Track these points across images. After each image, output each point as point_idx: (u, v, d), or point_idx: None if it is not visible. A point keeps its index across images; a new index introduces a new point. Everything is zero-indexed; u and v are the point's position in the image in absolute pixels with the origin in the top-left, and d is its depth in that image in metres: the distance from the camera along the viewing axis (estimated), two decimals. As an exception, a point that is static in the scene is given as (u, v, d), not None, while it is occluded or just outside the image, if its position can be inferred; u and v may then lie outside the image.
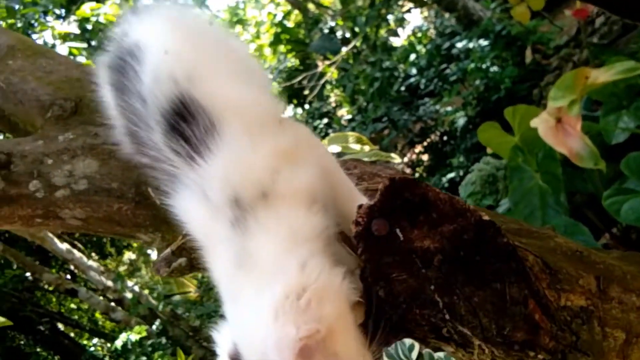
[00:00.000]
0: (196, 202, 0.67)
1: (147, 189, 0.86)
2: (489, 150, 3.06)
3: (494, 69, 4.71)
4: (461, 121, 4.92)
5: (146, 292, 5.38)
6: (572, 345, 0.66)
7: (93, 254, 5.76)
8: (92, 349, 8.46)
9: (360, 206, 0.61)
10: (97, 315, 9.10)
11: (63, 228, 0.91)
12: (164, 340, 4.66)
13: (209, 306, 5.78)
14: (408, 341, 1.26)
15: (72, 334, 8.56)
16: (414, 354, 1.23)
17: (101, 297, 5.13)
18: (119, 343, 4.63)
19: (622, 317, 0.72)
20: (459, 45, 5.17)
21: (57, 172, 0.88)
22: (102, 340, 8.18)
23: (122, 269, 6.21)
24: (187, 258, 0.87)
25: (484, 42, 4.85)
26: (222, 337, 0.68)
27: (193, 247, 0.87)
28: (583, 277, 0.72)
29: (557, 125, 2.21)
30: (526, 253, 0.66)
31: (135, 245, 8.89)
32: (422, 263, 0.59)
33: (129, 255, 9.27)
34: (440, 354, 1.28)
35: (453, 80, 5.21)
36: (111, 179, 0.87)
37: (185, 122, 0.66)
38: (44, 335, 7.59)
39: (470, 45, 5.00)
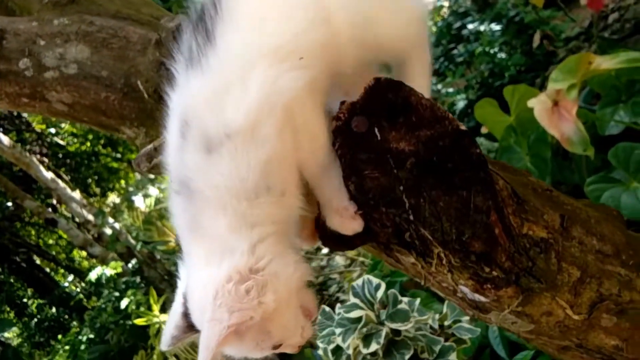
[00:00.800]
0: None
1: (136, 82, 0.86)
2: (483, 130, 3.08)
3: (502, 55, 4.68)
4: (461, 104, 4.92)
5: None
6: (527, 270, 0.68)
7: (77, 192, 5.74)
8: (66, 284, 8.53)
9: (342, 102, 0.62)
10: (75, 253, 9.15)
11: (49, 112, 0.92)
12: (138, 279, 4.71)
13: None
14: (375, 280, 1.29)
15: (47, 269, 8.62)
16: (380, 293, 1.27)
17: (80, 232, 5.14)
18: (93, 276, 4.66)
19: (580, 257, 0.75)
20: (470, 26, 5.12)
21: (49, 53, 0.87)
22: (77, 279, 8.24)
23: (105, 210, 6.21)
24: (169, 156, 0.88)
25: (495, 27, 4.82)
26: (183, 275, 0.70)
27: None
28: (548, 213, 0.74)
29: (553, 108, 2.23)
30: (497, 177, 0.68)
31: (118, 186, 8.89)
32: (395, 163, 0.60)
33: (112, 199, 9.27)
34: (404, 299, 1.32)
35: (459, 62, 5.19)
36: (102, 67, 0.87)
37: None
38: (20, 266, 7.63)
39: (482, 27, 4.96)
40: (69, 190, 4.94)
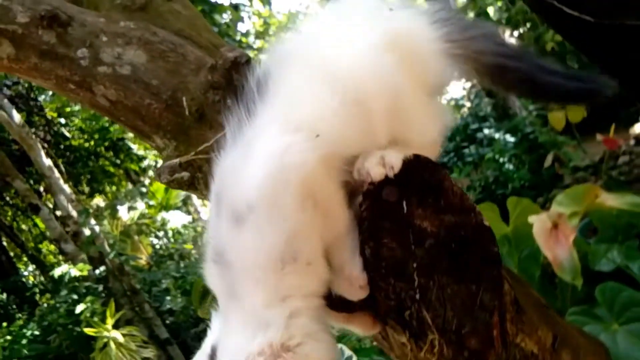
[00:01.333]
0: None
1: (182, 98, 0.89)
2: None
3: (510, 166, 4.81)
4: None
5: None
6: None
7: (68, 186, 5.69)
8: (25, 273, 8.27)
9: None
10: (44, 245, 8.93)
11: (90, 104, 0.94)
12: (101, 287, 4.58)
13: (155, 275, 5.70)
14: (347, 352, 1.27)
15: (11, 253, 8.39)
16: None
17: (61, 227, 5.05)
18: (57, 272, 4.54)
19: (565, 381, 0.74)
20: (486, 131, 5.30)
21: (108, 50, 0.91)
22: (38, 271, 8.01)
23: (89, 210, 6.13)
24: (192, 175, 0.89)
25: (510, 138, 4.98)
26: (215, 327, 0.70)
27: (201, 167, 0.90)
28: (543, 329, 0.75)
29: (552, 230, 2.27)
30: (505, 281, 0.69)
31: (108, 190, 8.80)
32: (414, 240, 0.62)
33: (98, 201, 9.19)
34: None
35: (468, 161, 5.32)
36: (154, 75, 0.90)
37: None
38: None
39: (496, 135, 5.13)
40: (61, 181, 4.91)
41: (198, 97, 0.87)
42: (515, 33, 5.48)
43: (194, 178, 0.89)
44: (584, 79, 0.77)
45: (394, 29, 0.70)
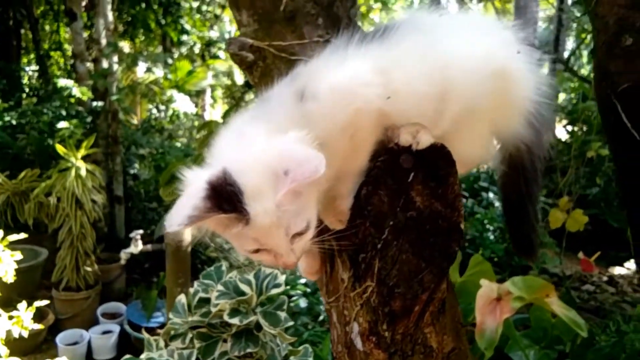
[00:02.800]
0: None
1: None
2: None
3: (491, 236, 4.92)
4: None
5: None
6: (403, 357, 0.79)
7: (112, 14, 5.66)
8: (27, 69, 8.24)
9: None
10: (56, 54, 8.87)
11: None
12: (90, 119, 4.64)
13: (140, 138, 5.77)
14: (281, 278, 1.38)
15: (23, 44, 8.33)
16: (275, 290, 1.35)
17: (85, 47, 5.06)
18: (62, 82, 4.58)
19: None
20: (491, 195, 5.38)
21: None
22: (40, 72, 7.98)
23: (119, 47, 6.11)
24: (255, 60, 0.98)
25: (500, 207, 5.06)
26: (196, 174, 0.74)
27: (266, 58, 0.98)
28: (449, 337, 0.86)
29: (494, 300, 2.39)
30: (445, 280, 0.79)
31: (138, 41, 8.71)
32: (403, 205, 0.72)
33: (123, 45, 9.14)
34: (285, 314, 1.40)
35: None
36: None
37: None
38: (5, 20, 7.36)
39: (496, 204, 5.21)
40: (109, 7, 4.92)
41: (298, 2, 0.95)
42: (569, 127, 5.55)
43: (255, 63, 0.97)
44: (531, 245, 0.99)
45: (512, 67, 0.80)
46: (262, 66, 0.96)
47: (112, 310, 3.98)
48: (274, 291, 1.36)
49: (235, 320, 1.29)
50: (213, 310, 1.35)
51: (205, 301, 1.42)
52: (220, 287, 1.39)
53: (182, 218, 0.66)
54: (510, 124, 0.83)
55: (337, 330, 0.85)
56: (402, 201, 0.71)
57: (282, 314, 1.34)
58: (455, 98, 0.74)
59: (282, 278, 1.38)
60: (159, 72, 8.01)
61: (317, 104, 0.71)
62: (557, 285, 4.41)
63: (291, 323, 1.38)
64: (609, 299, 4.26)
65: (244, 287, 1.36)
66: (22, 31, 8.04)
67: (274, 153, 0.67)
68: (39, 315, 3.08)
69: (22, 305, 2.11)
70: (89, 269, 3.99)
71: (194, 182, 0.70)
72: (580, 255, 3.44)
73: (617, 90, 1.06)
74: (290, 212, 0.65)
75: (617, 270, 4.78)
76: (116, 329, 3.70)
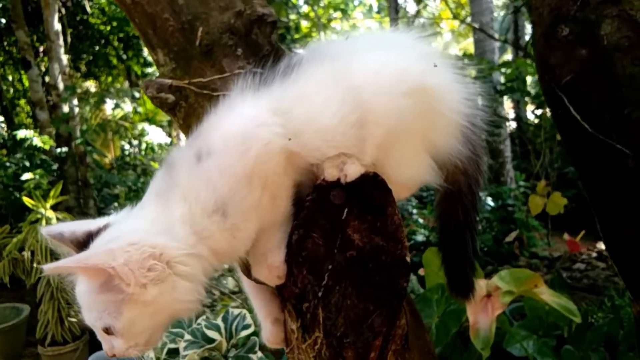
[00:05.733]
0: None
1: (199, 27, 0.90)
2: (420, 272, 3.19)
3: (479, 228, 4.90)
4: (420, 237, 5.09)
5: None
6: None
7: (66, 57, 5.56)
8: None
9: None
10: (21, 102, 8.74)
11: (114, -6, 0.94)
12: (56, 166, 4.53)
13: (113, 177, 5.66)
14: (249, 320, 1.31)
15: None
16: (244, 333, 1.28)
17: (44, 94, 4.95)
18: (21, 134, 4.46)
19: None
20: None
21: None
22: (4, 124, 7.85)
23: (77, 89, 6.00)
24: (176, 100, 0.91)
25: (490, 201, 5.05)
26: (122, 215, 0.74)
27: (188, 97, 0.92)
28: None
29: (484, 297, 2.34)
30: (404, 315, 0.73)
31: (102, 80, 8.64)
32: (340, 245, 0.65)
33: (89, 86, 9.03)
34: (258, 354, 1.33)
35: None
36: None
37: None
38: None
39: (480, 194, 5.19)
40: (62, 50, 4.82)
41: (214, 34, 0.89)
42: (538, 111, 5.57)
43: (177, 104, 0.91)
44: (466, 283, 0.90)
45: (431, 81, 0.73)
46: (185, 106, 0.90)
47: (103, 359, 3.85)
48: (244, 333, 1.29)
49: (206, 372, 1.21)
50: (183, 363, 1.27)
51: (175, 352, 1.34)
52: (188, 337, 1.31)
53: (56, 231, 0.72)
54: (444, 140, 0.77)
55: (298, 383, 0.78)
56: (339, 241, 0.65)
57: (255, 356, 1.27)
58: (374, 122, 0.68)
59: (250, 318, 1.31)
60: (127, 107, 7.93)
61: (213, 160, 0.66)
62: (549, 268, 4.39)
63: (268, 363, 1.31)
64: (600, 274, 4.25)
65: (212, 334, 1.29)
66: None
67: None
68: (26, 376, 2.95)
69: (5, 370, 2.00)
70: (73, 319, 3.85)
71: (103, 221, 0.73)
72: (566, 236, 3.42)
73: (561, 83, 1.01)
74: (101, 306, 0.65)
75: (604, 245, 4.78)
76: (108, 378, 3.57)
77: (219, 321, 1.33)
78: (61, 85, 4.70)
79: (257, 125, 0.66)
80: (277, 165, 0.66)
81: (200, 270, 0.67)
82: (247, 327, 1.30)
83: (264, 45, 0.90)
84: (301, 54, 0.77)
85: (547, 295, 2.49)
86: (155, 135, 7.66)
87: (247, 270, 0.73)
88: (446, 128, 0.75)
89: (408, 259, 0.66)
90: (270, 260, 0.68)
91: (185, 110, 0.90)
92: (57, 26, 4.72)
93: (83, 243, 0.69)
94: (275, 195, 0.67)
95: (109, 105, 7.84)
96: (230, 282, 3.54)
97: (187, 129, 0.90)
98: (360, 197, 0.66)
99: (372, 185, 0.66)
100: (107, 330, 0.67)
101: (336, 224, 0.66)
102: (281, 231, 0.69)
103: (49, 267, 0.64)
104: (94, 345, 3.98)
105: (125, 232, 0.67)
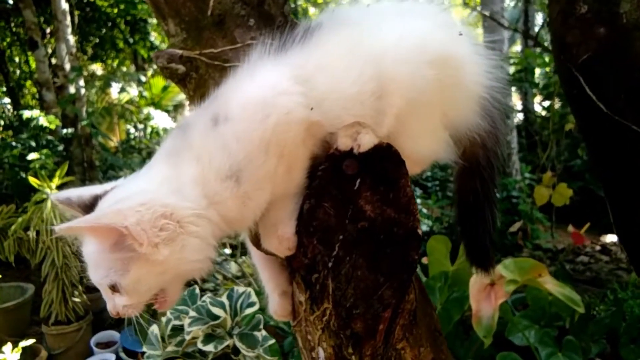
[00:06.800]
0: None
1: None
2: (424, 260, 3.19)
3: (482, 216, 4.89)
4: (424, 227, 5.09)
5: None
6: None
7: (73, 37, 5.53)
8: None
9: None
10: (27, 84, 8.74)
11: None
12: (62, 147, 4.53)
13: (118, 160, 5.67)
14: (254, 298, 1.31)
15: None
16: (248, 311, 1.28)
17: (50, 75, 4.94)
18: (27, 113, 4.46)
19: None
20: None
21: None
22: (11, 106, 7.86)
23: (82, 70, 5.99)
24: (187, 71, 0.90)
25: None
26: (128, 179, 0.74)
27: (198, 68, 0.91)
28: (426, 349, 0.79)
29: (488, 286, 2.34)
30: (412, 290, 0.72)
31: (109, 63, 8.63)
32: (351, 216, 0.64)
33: (95, 68, 9.02)
34: (262, 332, 1.33)
35: (448, 195, 5.37)
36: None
37: None
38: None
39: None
40: (69, 31, 4.80)
41: (226, 4, 0.88)
42: (546, 103, 5.53)
43: (188, 75, 0.90)
44: (487, 255, 0.89)
45: (454, 51, 0.72)
46: (196, 77, 0.89)
47: (106, 339, 3.88)
48: (249, 310, 1.29)
49: (210, 347, 1.21)
50: (187, 338, 1.27)
51: (180, 329, 1.34)
52: (193, 313, 1.31)
53: (64, 196, 0.73)
54: (463, 114, 0.75)
55: (304, 356, 0.78)
56: (351, 212, 0.64)
57: (260, 334, 1.27)
58: (394, 92, 0.67)
59: (255, 296, 1.31)
60: (133, 91, 7.92)
61: (231, 125, 0.65)
62: (552, 260, 4.39)
63: (272, 341, 1.31)
64: (604, 267, 4.24)
65: (216, 311, 1.29)
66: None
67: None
68: (30, 353, 2.98)
69: (8, 347, 2.02)
70: (77, 299, 3.88)
71: (108, 185, 0.73)
72: (570, 228, 3.41)
73: (577, 62, 0.99)
74: (108, 264, 0.65)
75: (609, 238, 4.76)
76: (112, 358, 3.60)
77: (224, 299, 1.33)
78: (68, 66, 4.68)
79: (278, 93, 0.65)
80: (296, 135, 0.65)
81: (210, 232, 0.66)
82: (251, 305, 1.30)
83: (277, 16, 0.89)
84: (320, 19, 0.75)
85: (551, 285, 2.49)
86: (160, 119, 7.66)
87: (256, 241, 0.72)
88: (466, 100, 0.74)
89: (420, 231, 0.66)
90: (281, 231, 0.67)
91: (196, 81, 0.89)
92: (65, 5, 4.69)
93: (89, 206, 0.69)
94: (291, 166, 0.66)
95: (115, 88, 7.84)
96: (233, 267, 3.55)
97: (197, 100, 0.89)
98: (373, 168, 0.65)
99: (385, 156, 0.65)
100: (113, 288, 0.66)
101: (348, 195, 0.65)
102: (293, 202, 0.68)
103: (60, 228, 0.63)
104: (97, 325, 4.01)
105: (135, 192, 0.66)
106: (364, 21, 0.72)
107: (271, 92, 0.65)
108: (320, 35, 0.70)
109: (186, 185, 0.66)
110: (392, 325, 0.69)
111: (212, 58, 0.87)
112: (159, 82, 8.17)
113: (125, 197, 0.66)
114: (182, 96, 8.56)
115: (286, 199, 0.68)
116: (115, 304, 0.68)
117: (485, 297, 2.32)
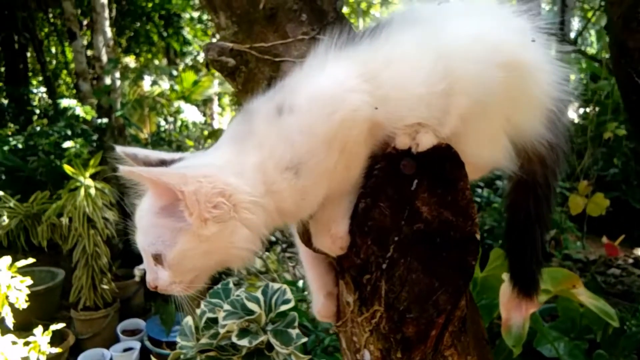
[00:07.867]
0: None
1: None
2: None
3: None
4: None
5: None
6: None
7: (110, 30, 5.63)
8: (34, 90, 8.33)
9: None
10: (63, 74, 8.95)
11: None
12: (96, 137, 4.62)
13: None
14: (289, 295, 1.30)
15: (30, 67, 8.42)
16: (283, 307, 1.28)
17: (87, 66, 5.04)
18: (64, 102, 4.56)
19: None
20: (499, 182, 5.25)
21: None
22: (47, 93, 8.06)
23: (119, 62, 6.09)
24: (237, 65, 0.90)
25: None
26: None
27: (248, 62, 0.90)
28: (473, 358, 0.77)
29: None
30: (464, 296, 0.70)
31: (143, 56, 8.74)
32: (407, 217, 0.63)
33: (128, 61, 9.18)
34: (296, 330, 1.32)
35: (475, 201, 5.29)
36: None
37: None
38: (10, 44, 7.41)
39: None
40: (107, 23, 4.89)
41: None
42: (581, 110, 5.38)
43: (237, 68, 0.89)
44: (533, 280, 0.85)
45: (526, 57, 0.69)
46: (245, 71, 0.88)
47: (132, 327, 3.94)
48: (284, 307, 1.28)
49: (244, 342, 1.21)
50: (221, 331, 1.27)
51: (213, 322, 1.34)
52: (227, 307, 1.31)
53: (131, 151, 0.74)
54: (527, 122, 0.72)
55: (347, 357, 0.77)
56: (407, 213, 0.63)
57: (294, 332, 1.26)
58: (461, 91, 0.65)
59: (290, 293, 1.30)
60: (165, 84, 8.03)
61: (296, 117, 0.64)
62: (582, 271, 4.27)
63: (304, 339, 1.30)
64: (636, 281, 4.11)
65: (251, 306, 1.28)
66: (28, 54, 8.13)
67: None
68: (59, 337, 3.04)
69: (39, 329, 2.06)
70: (105, 287, 3.95)
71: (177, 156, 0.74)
72: (604, 239, 3.31)
73: (639, 67, 0.95)
74: (157, 231, 0.65)
75: (640, 252, 4.62)
76: (137, 345, 3.66)
77: (259, 294, 1.33)
78: (105, 58, 4.77)
79: (347, 90, 0.64)
80: (359, 133, 0.64)
81: (263, 221, 0.66)
82: (287, 301, 1.29)
83: (329, 12, 0.87)
84: (390, 16, 0.73)
85: (584, 296, 2.42)
86: (190, 113, 7.76)
87: (306, 239, 0.71)
88: (533, 110, 0.71)
89: (478, 236, 0.64)
90: (334, 230, 0.66)
91: (245, 75, 0.89)
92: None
93: (154, 166, 0.70)
94: (349, 164, 0.65)
95: (147, 81, 7.96)
96: (257, 262, 3.57)
97: (245, 94, 0.89)
98: (432, 169, 0.63)
99: (444, 157, 0.63)
100: (157, 258, 0.66)
101: (405, 195, 0.63)
102: (348, 201, 0.67)
103: (124, 169, 0.63)
104: (124, 313, 4.08)
105: (202, 164, 0.67)
106: (435, 19, 0.70)
107: (340, 88, 0.64)
108: (390, 33, 0.68)
109: (247, 170, 0.65)
110: (442, 332, 0.67)
111: (263, 52, 0.87)
112: (190, 76, 8.27)
113: (193, 165, 0.67)
114: (211, 91, 8.65)
115: (341, 197, 0.67)
116: (156, 277, 0.68)
117: (516, 306, 2.27)
